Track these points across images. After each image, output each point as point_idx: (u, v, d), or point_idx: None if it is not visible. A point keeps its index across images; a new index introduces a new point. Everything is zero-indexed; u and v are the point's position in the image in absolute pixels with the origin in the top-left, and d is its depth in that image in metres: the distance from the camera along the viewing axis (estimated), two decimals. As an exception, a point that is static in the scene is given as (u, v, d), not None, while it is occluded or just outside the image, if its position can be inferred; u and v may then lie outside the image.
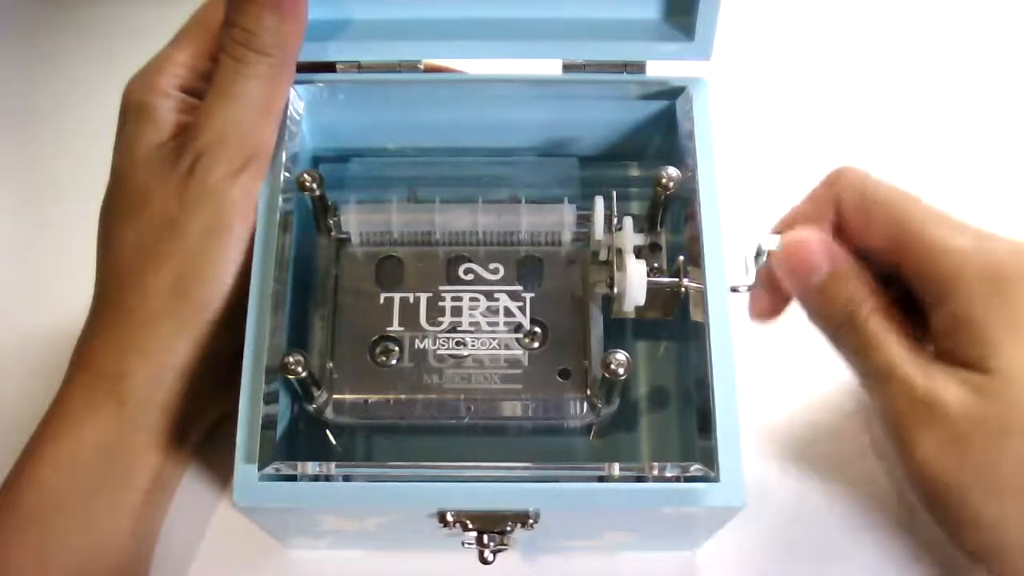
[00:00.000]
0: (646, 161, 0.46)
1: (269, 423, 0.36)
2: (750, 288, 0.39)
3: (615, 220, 0.40)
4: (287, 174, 0.39)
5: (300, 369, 0.35)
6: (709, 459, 0.35)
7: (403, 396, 0.39)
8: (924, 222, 0.36)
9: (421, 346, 0.40)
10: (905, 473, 0.36)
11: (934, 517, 0.36)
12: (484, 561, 0.37)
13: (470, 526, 0.36)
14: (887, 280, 0.37)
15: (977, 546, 0.35)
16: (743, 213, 0.49)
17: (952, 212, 0.36)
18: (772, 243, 0.38)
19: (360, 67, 0.41)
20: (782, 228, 0.39)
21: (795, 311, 0.39)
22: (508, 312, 0.40)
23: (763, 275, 0.39)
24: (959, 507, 0.34)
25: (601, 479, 0.35)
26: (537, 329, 0.40)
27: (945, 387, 0.34)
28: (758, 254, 0.38)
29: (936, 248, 0.35)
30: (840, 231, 0.38)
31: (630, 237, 0.40)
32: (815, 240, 0.37)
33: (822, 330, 0.38)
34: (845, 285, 0.37)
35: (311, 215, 0.41)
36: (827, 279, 0.37)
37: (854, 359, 0.37)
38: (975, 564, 0.36)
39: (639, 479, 0.35)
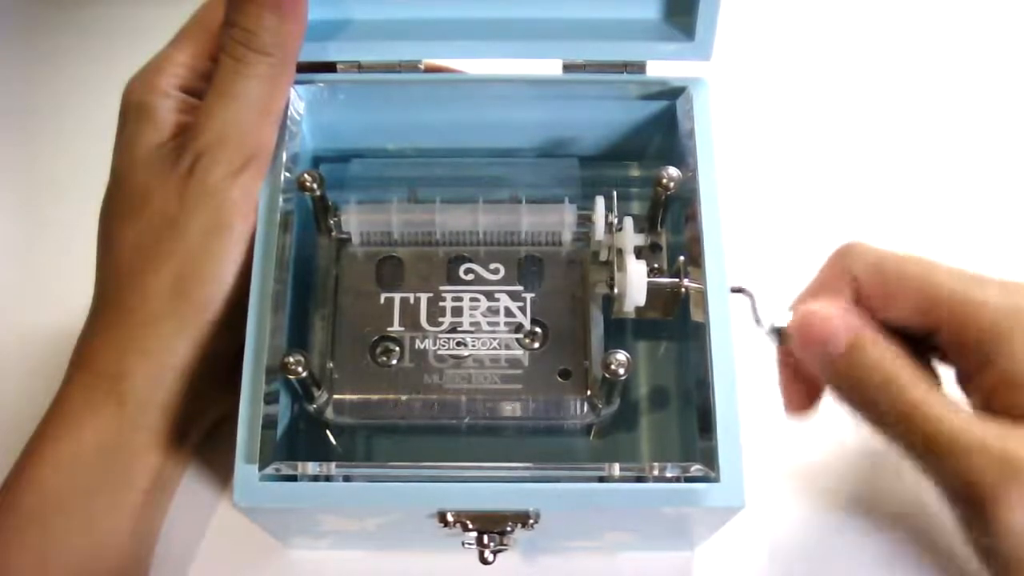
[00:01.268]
0: (646, 161, 0.46)
1: (269, 423, 0.36)
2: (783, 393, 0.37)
3: (615, 220, 0.40)
4: (287, 174, 0.39)
5: (300, 369, 0.35)
6: (709, 459, 0.35)
7: (403, 396, 0.39)
8: (955, 283, 0.34)
9: (421, 346, 0.40)
10: (982, 544, 0.33)
11: None
12: (484, 561, 0.37)
13: (470, 526, 0.36)
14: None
15: None
16: (743, 213, 0.49)
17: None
18: (783, 320, 0.36)
19: (360, 67, 0.41)
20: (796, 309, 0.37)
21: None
22: (508, 312, 0.40)
23: (787, 364, 0.37)
24: None
25: (601, 479, 0.35)
26: (537, 329, 0.40)
27: (1020, 444, 0.32)
28: (774, 337, 0.37)
29: (971, 309, 0.33)
30: (859, 307, 0.36)
31: (630, 237, 0.39)
32: (828, 308, 0.35)
33: (852, 406, 0.35)
34: (871, 349, 0.34)
35: (311, 215, 0.41)
36: (850, 346, 0.34)
37: (899, 430, 0.34)
38: None
39: (639, 479, 0.35)
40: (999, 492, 0.31)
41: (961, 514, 0.33)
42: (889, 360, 0.34)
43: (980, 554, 0.34)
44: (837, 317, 0.35)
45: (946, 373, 0.36)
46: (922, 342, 0.35)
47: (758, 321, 0.37)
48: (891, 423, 0.34)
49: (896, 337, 0.35)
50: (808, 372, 0.37)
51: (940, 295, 0.34)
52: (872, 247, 0.36)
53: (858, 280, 0.36)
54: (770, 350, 0.38)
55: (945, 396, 0.34)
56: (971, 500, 0.32)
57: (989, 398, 0.34)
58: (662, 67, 0.41)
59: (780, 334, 0.36)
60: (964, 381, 0.35)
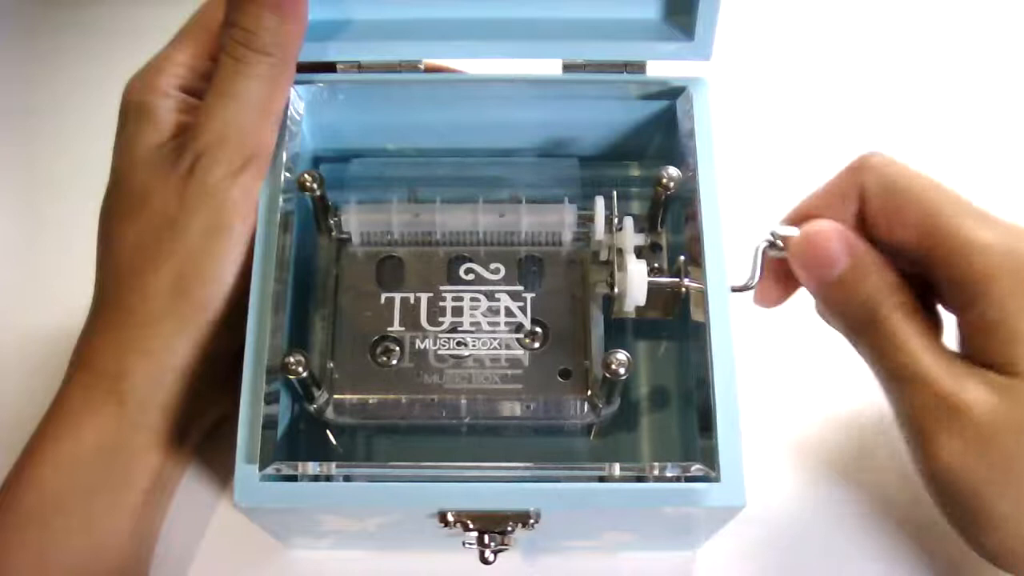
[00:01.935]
0: (646, 161, 0.46)
1: (270, 423, 0.36)
2: (752, 288, 0.38)
3: (615, 220, 0.40)
4: (287, 174, 0.39)
5: (301, 369, 0.35)
6: (710, 459, 0.35)
7: (404, 396, 0.39)
8: (956, 217, 0.34)
9: (422, 346, 0.40)
10: (924, 474, 0.35)
11: (952, 519, 0.35)
12: (485, 561, 0.37)
13: (471, 526, 0.36)
14: (907, 278, 0.36)
15: (998, 548, 0.34)
16: (743, 213, 0.49)
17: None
18: (788, 232, 0.36)
19: (360, 67, 0.41)
20: (796, 218, 0.37)
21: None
22: (509, 312, 0.40)
23: (773, 265, 0.37)
24: (980, 509, 0.34)
25: (602, 479, 0.35)
26: (538, 329, 0.40)
27: (971, 388, 0.33)
28: (770, 244, 0.37)
29: (969, 246, 0.33)
30: (862, 223, 0.36)
31: (631, 237, 0.39)
32: (834, 231, 0.35)
33: (839, 327, 0.37)
34: (867, 279, 0.35)
35: (312, 215, 0.41)
36: (847, 272, 0.35)
37: (874, 357, 0.35)
38: (995, 567, 0.35)
39: (640, 479, 0.35)
40: (937, 428, 0.33)
41: (909, 442, 0.35)
42: (881, 289, 0.35)
43: (923, 480, 0.35)
44: (841, 239, 0.35)
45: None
46: (924, 283, 0.35)
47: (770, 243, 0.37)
48: (867, 346, 0.35)
49: (894, 259, 0.35)
50: (791, 279, 0.37)
51: (939, 224, 0.34)
52: (889, 162, 0.36)
53: (867, 195, 0.36)
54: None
55: (922, 329, 0.34)
56: (916, 431, 0.34)
57: (965, 338, 0.35)
58: (662, 67, 0.41)
59: (782, 243, 0.36)
60: (957, 316, 0.35)
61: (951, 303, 0.35)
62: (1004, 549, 0.34)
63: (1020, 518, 0.33)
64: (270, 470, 0.35)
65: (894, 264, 0.36)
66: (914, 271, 0.35)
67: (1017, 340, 0.33)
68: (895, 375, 0.35)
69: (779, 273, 0.38)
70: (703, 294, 0.37)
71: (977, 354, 0.34)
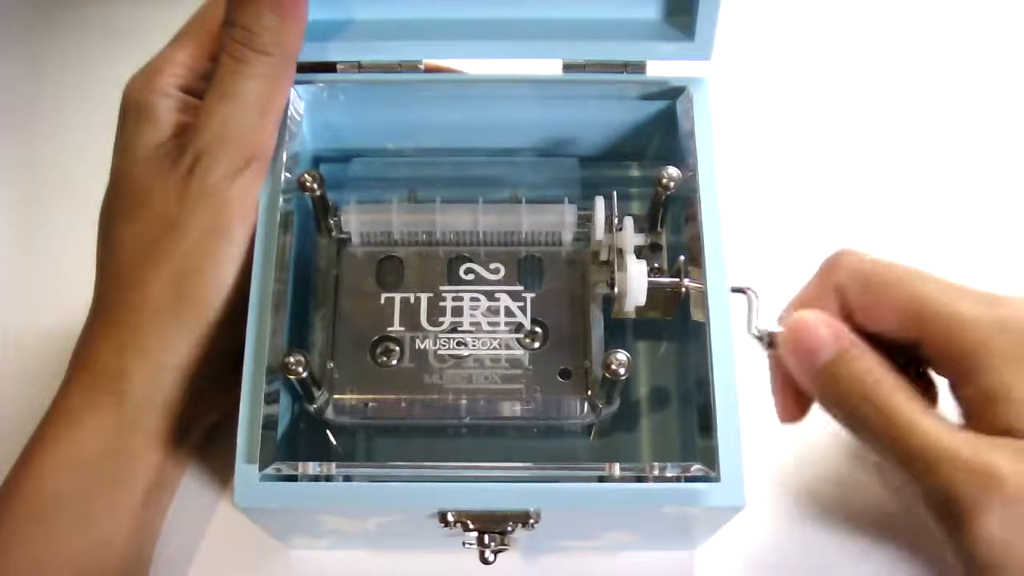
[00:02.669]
0: (646, 161, 0.46)
1: (270, 423, 0.36)
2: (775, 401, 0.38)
3: (615, 220, 0.40)
4: (288, 174, 0.39)
5: (301, 369, 0.35)
6: (710, 459, 0.35)
7: (404, 396, 0.39)
8: (938, 298, 0.34)
9: (422, 346, 0.40)
10: (963, 553, 0.33)
11: None
12: (485, 561, 0.37)
13: (471, 526, 0.36)
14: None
15: None
16: (743, 213, 0.49)
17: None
18: (773, 328, 0.36)
19: (360, 67, 0.41)
20: (785, 318, 0.37)
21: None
22: (509, 312, 0.40)
23: (778, 373, 0.37)
24: None
25: (602, 479, 0.35)
26: (538, 329, 0.40)
27: (999, 459, 0.32)
28: (764, 342, 0.37)
29: (956, 321, 0.33)
30: (846, 317, 0.36)
31: (630, 237, 0.39)
32: (818, 317, 0.35)
33: (837, 416, 0.35)
34: (856, 361, 0.35)
35: (312, 215, 0.41)
36: (835, 356, 0.35)
37: (883, 442, 0.34)
38: None
39: (639, 479, 0.35)
40: (973, 504, 0.32)
41: (942, 523, 0.33)
42: (874, 371, 0.34)
43: (960, 563, 0.34)
44: (824, 327, 0.35)
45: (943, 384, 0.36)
46: (913, 354, 0.35)
47: (751, 324, 0.37)
48: (874, 434, 0.34)
49: (883, 349, 0.35)
50: (798, 383, 0.37)
51: (923, 308, 0.34)
52: (859, 257, 0.36)
53: (844, 293, 0.36)
54: (764, 353, 0.38)
55: (927, 407, 0.34)
56: (948, 511, 0.33)
57: (970, 410, 0.34)
58: (662, 67, 0.41)
59: (770, 341, 0.36)
60: (953, 391, 0.35)
61: (947, 377, 0.35)
62: None
63: None
64: (270, 470, 0.35)
65: (880, 349, 0.35)
66: (899, 352, 0.35)
67: (1021, 405, 0.33)
68: (913, 457, 0.33)
69: (790, 386, 0.37)
70: (703, 294, 0.37)
71: (985, 422, 0.33)
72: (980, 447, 0.32)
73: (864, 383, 0.34)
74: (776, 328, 0.36)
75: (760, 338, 0.37)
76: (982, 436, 0.33)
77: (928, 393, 0.36)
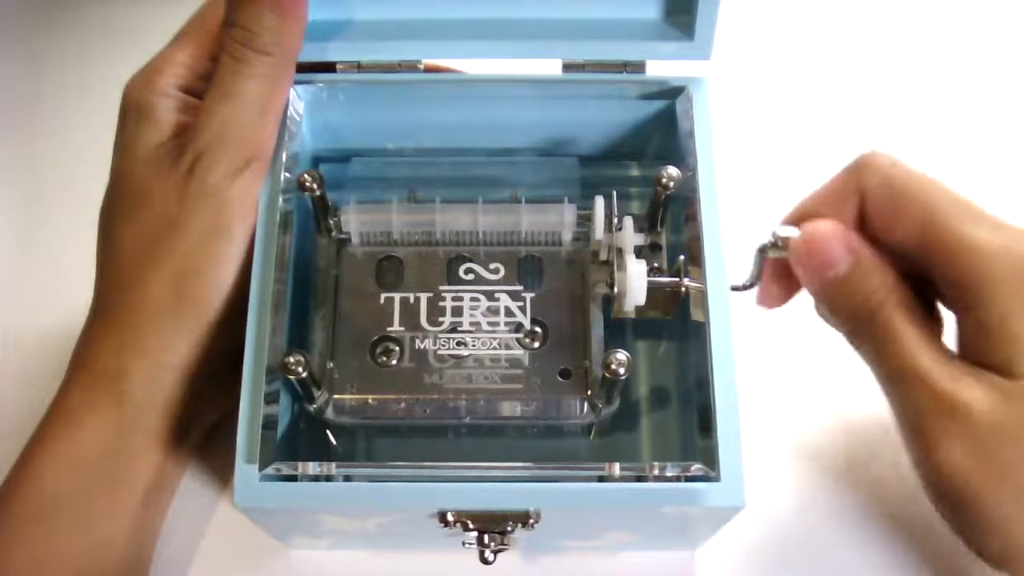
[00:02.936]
0: (646, 161, 0.46)
1: (269, 423, 0.36)
2: (752, 287, 0.38)
3: (615, 220, 0.40)
4: (287, 174, 0.39)
5: (301, 369, 0.35)
6: (710, 459, 0.35)
7: (404, 396, 0.39)
8: (955, 217, 0.33)
9: (422, 346, 0.40)
10: (922, 476, 0.35)
11: (950, 521, 0.35)
12: (485, 561, 0.37)
13: (471, 526, 0.36)
14: (907, 277, 0.35)
15: (996, 550, 0.34)
16: (743, 213, 0.49)
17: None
18: (788, 232, 0.36)
19: (360, 67, 0.41)
20: (796, 218, 0.37)
21: (798, 304, 0.39)
22: (508, 312, 0.40)
23: (773, 265, 0.37)
24: (979, 511, 0.33)
25: (601, 479, 0.35)
26: (537, 329, 0.40)
27: (970, 390, 0.33)
28: (773, 244, 0.36)
29: (968, 248, 0.33)
30: (862, 223, 0.36)
31: (630, 237, 0.39)
32: (835, 231, 0.35)
33: (839, 327, 0.36)
34: (867, 279, 0.35)
35: (311, 215, 0.41)
36: (847, 272, 0.35)
37: (874, 357, 0.35)
38: (994, 569, 0.35)
39: (639, 479, 0.35)
40: (937, 429, 0.33)
41: (907, 443, 0.35)
42: (881, 290, 0.35)
43: (923, 485, 0.35)
44: (840, 239, 0.35)
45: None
46: (924, 279, 0.35)
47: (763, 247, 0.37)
48: (868, 347, 0.35)
49: (895, 261, 0.35)
50: (792, 279, 0.37)
51: (940, 228, 0.34)
52: (888, 161, 0.35)
53: (867, 195, 0.35)
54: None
55: (924, 331, 0.34)
56: (915, 432, 0.34)
57: (965, 340, 0.34)
58: (662, 67, 0.41)
59: (784, 244, 0.36)
60: (956, 316, 0.35)
61: (950, 303, 0.35)
62: (1004, 553, 0.34)
63: (1019, 521, 0.33)
64: (270, 470, 0.35)
65: (894, 264, 0.35)
66: (914, 270, 0.35)
67: (1016, 342, 0.33)
68: (894, 375, 0.34)
69: (780, 274, 0.38)
70: (703, 294, 0.37)
71: (976, 355, 0.34)
72: (955, 374, 0.33)
73: (870, 300, 0.35)
74: (790, 234, 0.36)
75: (773, 243, 0.36)
76: (965, 365, 0.34)
77: (932, 315, 0.36)
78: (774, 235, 0.36)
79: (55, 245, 0.50)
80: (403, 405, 0.39)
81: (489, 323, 0.40)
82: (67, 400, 0.38)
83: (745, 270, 0.38)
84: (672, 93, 0.41)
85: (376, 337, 0.40)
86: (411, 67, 0.41)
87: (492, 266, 0.41)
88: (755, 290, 0.38)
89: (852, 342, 0.36)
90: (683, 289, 0.38)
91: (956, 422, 0.33)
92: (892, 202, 0.35)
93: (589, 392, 0.39)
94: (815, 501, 0.44)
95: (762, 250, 0.37)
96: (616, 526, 0.39)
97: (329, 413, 0.39)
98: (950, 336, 0.35)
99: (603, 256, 0.41)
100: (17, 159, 0.53)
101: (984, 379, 0.33)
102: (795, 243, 0.36)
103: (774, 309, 0.39)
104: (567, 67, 0.42)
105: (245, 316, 0.37)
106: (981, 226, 0.34)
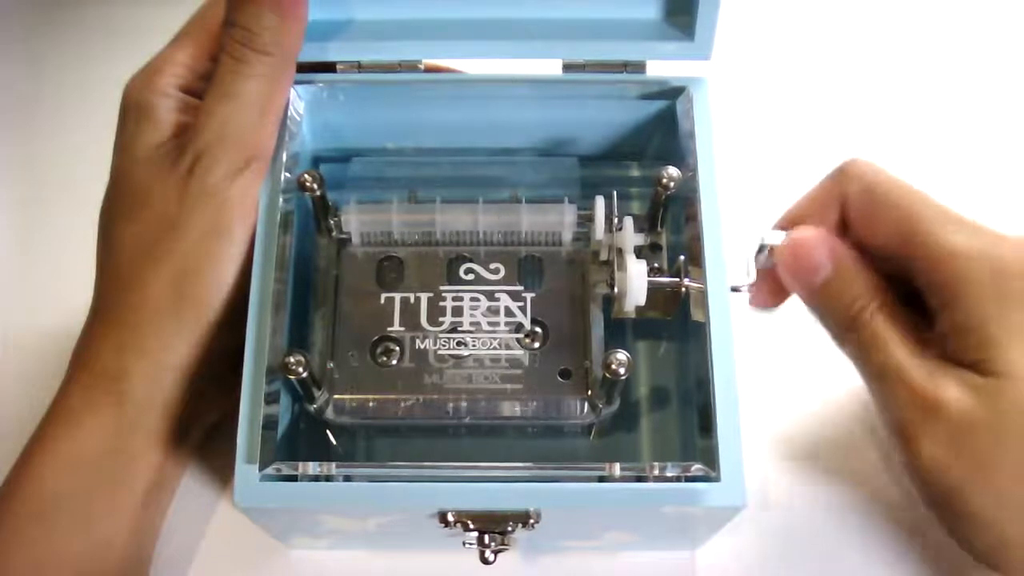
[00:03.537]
0: (646, 161, 0.46)
1: (270, 423, 0.36)
2: (751, 287, 0.39)
3: (615, 220, 0.40)
4: (287, 174, 0.39)
5: (301, 369, 0.35)
6: (710, 459, 0.35)
7: (404, 396, 0.39)
8: (932, 222, 0.35)
9: (422, 346, 0.40)
10: (908, 472, 0.36)
11: (937, 516, 0.36)
12: (485, 561, 0.37)
13: (471, 526, 0.36)
14: (890, 279, 0.37)
15: (984, 548, 0.35)
16: (743, 213, 0.49)
17: (958, 208, 0.36)
18: (775, 239, 0.37)
19: (360, 67, 0.41)
20: (785, 223, 0.39)
21: (798, 304, 0.39)
22: (509, 312, 0.40)
23: (765, 271, 0.39)
24: (962, 508, 0.34)
25: (602, 479, 0.35)
26: (538, 329, 0.40)
27: (947, 388, 0.34)
28: (760, 250, 0.38)
29: (944, 251, 0.34)
30: (846, 228, 0.37)
31: (630, 237, 0.39)
32: (818, 237, 0.37)
33: (827, 329, 0.38)
34: (849, 285, 0.36)
35: (311, 215, 0.41)
36: (831, 278, 0.36)
37: (858, 358, 0.37)
38: (979, 563, 0.36)
39: (639, 479, 0.35)
40: (913, 428, 0.34)
41: (892, 442, 0.36)
42: (863, 294, 0.36)
43: (911, 480, 0.36)
44: (824, 246, 0.36)
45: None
46: (906, 276, 0.36)
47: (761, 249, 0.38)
48: (851, 348, 0.37)
49: (878, 265, 0.36)
50: (783, 283, 0.38)
51: (917, 231, 0.35)
52: (868, 169, 0.37)
53: (848, 201, 0.37)
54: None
55: (904, 329, 0.35)
56: (898, 431, 0.35)
57: (944, 341, 0.35)
58: (662, 67, 0.41)
59: (769, 250, 0.37)
60: (935, 317, 0.36)
61: (930, 305, 0.36)
62: (992, 551, 0.35)
63: (1000, 517, 0.34)
64: (270, 470, 0.35)
65: (876, 267, 0.37)
66: (896, 272, 0.36)
67: (991, 341, 0.34)
68: (876, 375, 0.36)
69: (771, 278, 0.39)
70: (703, 294, 0.37)
71: (955, 355, 0.35)
72: (935, 374, 0.34)
73: (853, 303, 0.36)
74: (777, 240, 0.37)
75: (760, 248, 0.38)
76: (942, 364, 0.35)
77: (917, 316, 0.37)
78: (762, 243, 0.38)
79: (55, 245, 0.50)
80: (403, 405, 0.39)
81: (489, 323, 0.40)
82: (67, 400, 0.38)
83: (744, 270, 0.38)
84: (672, 93, 0.41)
85: (376, 337, 0.40)
86: (411, 67, 0.41)
87: (492, 266, 0.41)
88: (749, 292, 0.39)
89: (838, 344, 0.37)
90: (683, 289, 0.38)
91: (935, 419, 0.34)
92: (872, 208, 0.36)
93: (589, 392, 0.39)
94: (815, 501, 0.44)
95: (754, 254, 0.38)
96: (616, 526, 0.39)
97: (329, 413, 0.39)
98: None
99: (603, 256, 0.41)
100: (17, 159, 0.53)
101: (962, 377, 0.34)
102: (780, 250, 0.37)
103: (767, 311, 0.40)
104: (567, 67, 0.42)
105: (245, 316, 0.37)
106: (958, 229, 0.35)
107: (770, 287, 0.39)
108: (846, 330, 0.36)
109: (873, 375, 0.36)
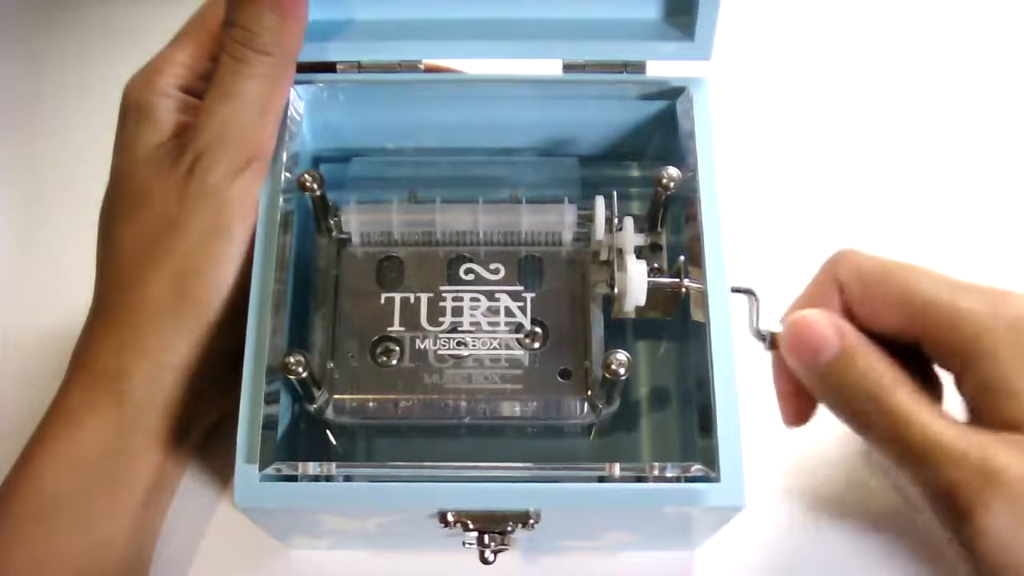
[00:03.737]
0: (646, 161, 0.46)
1: (270, 423, 0.36)
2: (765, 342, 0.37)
3: (615, 220, 0.40)
4: (287, 174, 0.39)
5: (301, 369, 0.35)
6: (710, 459, 0.35)
7: (404, 396, 0.39)
8: (934, 292, 0.34)
9: (422, 346, 0.40)
10: (967, 549, 0.33)
11: None
12: (485, 561, 0.37)
13: (471, 526, 0.36)
14: (894, 353, 0.35)
15: None
16: (743, 213, 0.49)
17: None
18: (774, 329, 0.36)
19: (360, 67, 0.41)
20: (787, 316, 0.37)
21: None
22: (509, 312, 0.40)
23: (782, 376, 0.37)
24: None
25: (602, 479, 0.35)
26: (538, 329, 0.40)
27: (1001, 454, 0.32)
28: (765, 341, 0.36)
29: (955, 314, 0.34)
30: (849, 316, 0.36)
31: (630, 237, 0.39)
32: (819, 315, 0.35)
33: (840, 415, 0.35)
34: (861, 359, 0.34)
35: (312, 215, 0.41)
36: (839, 354, 0.35)
37: (885, 438, 0.34)
38: None
39: (639, 479, 0.35)
40: (975, 500, 0.32)
41: (944, 520, 0.33)
42: (876, 369, 0.34)
43: (964, 558, 0.33)
44: (826, 324, 0.35)
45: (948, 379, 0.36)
46: (917, 351, 0.35)
47: (754, 324, 0.37)
48: (877, 431, 0.34)
49: (886, 346, 0.35)
50: (802, 386, 0.37)
51: (921, 304, 0.34)
52: (859, 255, 0.36)
53: (845, 288, 0.36)
54: (767, 354, 0.38)
55: (930, 403, 0.34)
56: (950, 508, 0.32)
57: (972, 404, 0.34)
58: (662, 67, 0.41)
59: (772, 341, 0.36)
60: (957, 386, 0.35)
61: (950, 371, 0.35)
62: None
63: None
64: (270, 470, 0.35)
65: (882, 345, 0.35)
66: (901, 347, 0.35)
67: (1018, 397, 0.32)
68: (912, 453, 0.33)
69: (794, 395, 0.37)
70: (703, 294, 0.37)
71: (988, 416, 0.33)
72: (980, 441, 0.32)
73: (866, 380, 0.34)
74: (777, 328, 0.36)
75: (762, 338, 0.37)
76: (982, 430, 0.33)
77: (934, 391, 0.36)
78: (761, 331, 0.37)
79: (55, 245, 0.50)
80: (403, 405, 0.39)
81: (489, 323, 0.40)
82: (67, 400, 0.38)
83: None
84: (672, 93, 0.41)
85: (376, 337, 0.40)
86: (411, 67, 0.41)
87: (492, 266, 0.41)
88: (778, 408, 0.38)
89: (857, 429, 0.35)
90: (683, 289, 0.38)
91: (998, 490, 0.31)
92: (869, 290, 0.35)
93: (589, 392, 0.39)
94: (815, 501, 0.44)
95: (762, 339, 0.37)
96: (616, 526, 0.39)
97: (329, 413, 0.39)
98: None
99: (603, 256, 0.41)
100: (17, 159, 0.53)
101: (1009, 440, 0.32)
102: (783, 335, 0.36)
103: (801, 426, 0.38)
104: (567, 67, 0.42)
105: (245, 316, 0.37)
106: (965, 294, 0.34)
107: (796, 398, 0.38)
108: (866, 410, 0.34)
109: (907, 454, 0.33)
